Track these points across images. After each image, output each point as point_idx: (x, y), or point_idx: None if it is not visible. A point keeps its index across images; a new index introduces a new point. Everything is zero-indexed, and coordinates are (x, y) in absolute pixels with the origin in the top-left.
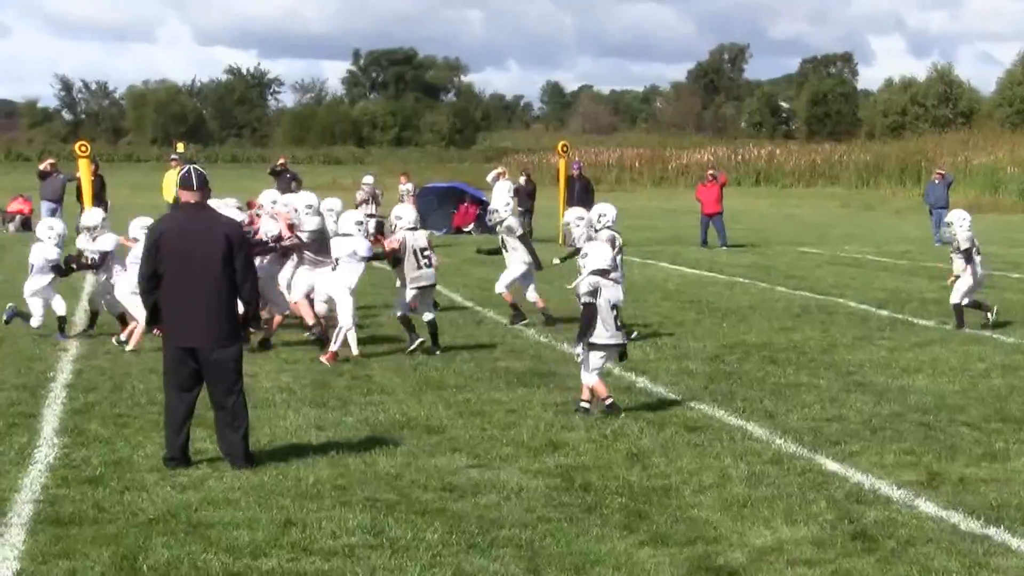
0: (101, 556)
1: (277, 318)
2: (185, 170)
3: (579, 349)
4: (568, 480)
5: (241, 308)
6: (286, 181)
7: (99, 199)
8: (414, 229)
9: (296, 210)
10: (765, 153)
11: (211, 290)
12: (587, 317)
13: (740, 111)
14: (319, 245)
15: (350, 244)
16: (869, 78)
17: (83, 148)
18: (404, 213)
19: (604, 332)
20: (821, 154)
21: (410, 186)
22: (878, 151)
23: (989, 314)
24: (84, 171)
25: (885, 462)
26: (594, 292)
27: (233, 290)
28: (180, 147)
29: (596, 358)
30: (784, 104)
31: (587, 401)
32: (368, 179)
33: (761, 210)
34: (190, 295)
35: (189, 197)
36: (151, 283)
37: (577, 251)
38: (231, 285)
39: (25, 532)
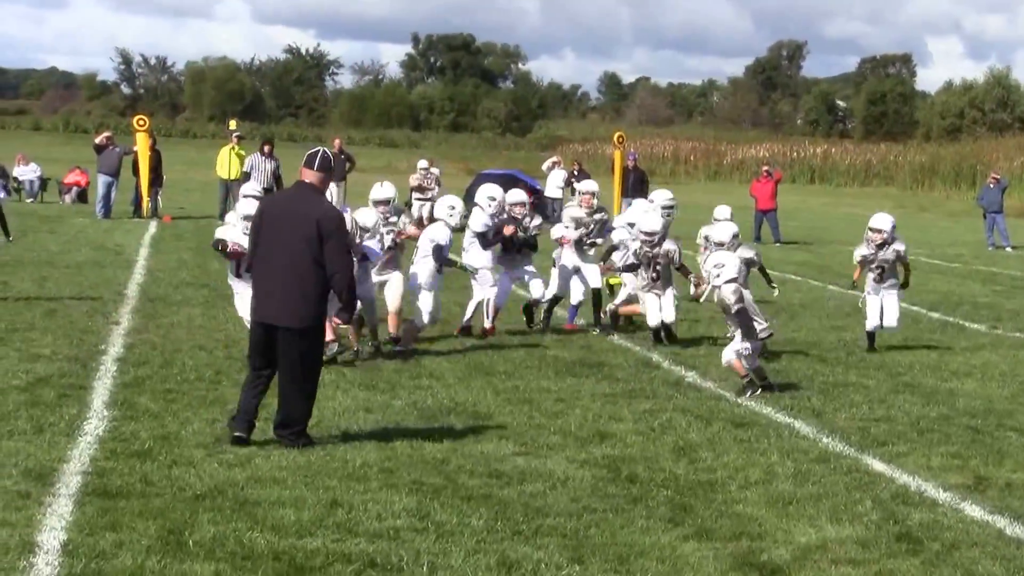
0: (148, 529)
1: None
2: (314, 149)
3: (746, 345)
4: (614, 471)
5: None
6: (340, 163)
7: (155, 173)
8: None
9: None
10: (820, 151)
11: (293, 269)
12: (745, 321)
13: (797, 108)
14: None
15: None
16: (925, 80)
17: (141, 122)
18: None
19: (758, 326)
20: (877, 154)
21: (436, 171)
22: (934, 153)
23: None
24: (142, 145)
25: (932, 464)
26: (740, 298)
27: (318, 276)
28: (233, 124)
29: (752, 348)
30: (841, 103)
31: (745, 376)
32: (423, 163)
33: (815, 208)
34: (273, 270)
35: (305, 176)
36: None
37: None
38: (316, 270)
39: (73, 503)
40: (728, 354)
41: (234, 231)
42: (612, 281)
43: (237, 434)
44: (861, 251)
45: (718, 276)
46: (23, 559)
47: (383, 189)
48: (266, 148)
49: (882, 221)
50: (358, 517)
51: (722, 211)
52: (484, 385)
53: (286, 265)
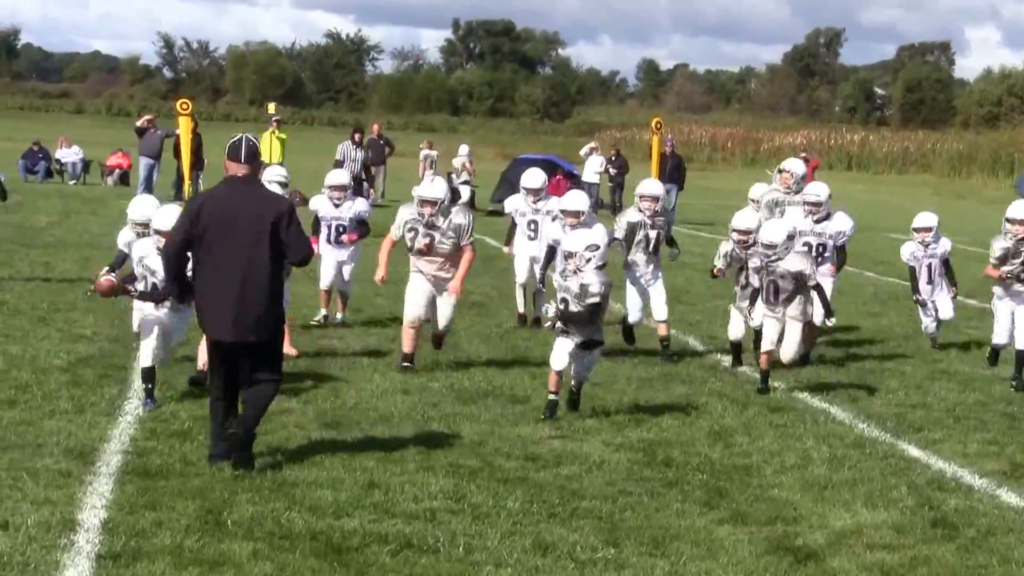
0: (187, 509)
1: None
2: (236, 139)
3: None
4: (650, 455)
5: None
6: (380, 148)
7: (196, 157)
8: None
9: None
10: (858, 138)
11: (251, 276)
12: (824, 296)
13: (834, 95)
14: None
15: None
16: (963, 67)
17: (184, 106)
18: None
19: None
20: (914, 141)
21: (435, 153)
22: (972, 141)
23: None
24: (184, 129)
25: (968, 451)
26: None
27: (275, 278)
28: (272, 108)
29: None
30: (879, 90)
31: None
32: (464, 149)
33: (852, 195)
34: (226, 281)
35: (234, 170)
36: (181, 253)
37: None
38: (273, 271)
39: (113, 482)
40: (793, 348)
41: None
42: None
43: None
44: (1001, 244)
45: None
46: (64, 536)
47: (433, 187)
48: (356, 136)
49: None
50: (395, 498)
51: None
52: (520, 369)
53: (242, 273)
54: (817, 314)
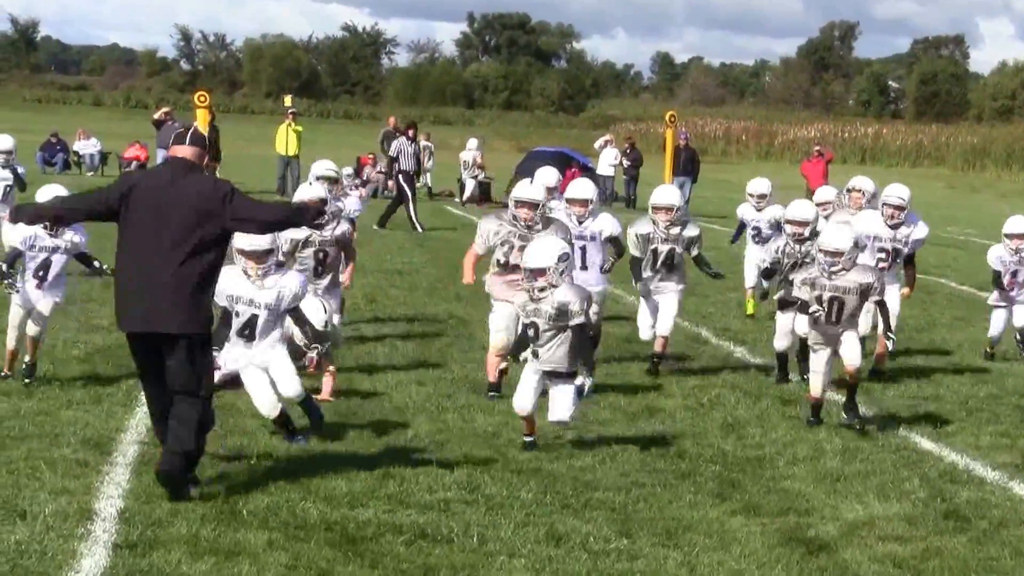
0: (202, 497)
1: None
2: (180, 128)
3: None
4: (663, 446)
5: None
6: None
7: (214, 149)
8: None
9: None
10: (872, 132)
11: (177, 262)
12: (886, 313)
13: (848, 89)
14: None
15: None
16: (977, 61)
17: (202, 99)
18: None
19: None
20: (928, 135)
21: (432, 145)
22: (985, 134)
23: None
24: (202, 121)
25: (980, 443)
26: None
27: (205, 269)
28: (288, 100)
29: None
30: (893, 84)
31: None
32: (473, 142)
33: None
34: (143, 265)
35: (179, 152)
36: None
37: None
38: (204, 262)
39: (130, 472)
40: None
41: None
42: (751, 308)
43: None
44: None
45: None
46: (81, 526)
47: (531, 188)
48: (411, 132)
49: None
50: (409, 489)
51: (760, 185)
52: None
53: (166, 258)
54: (865, 325)
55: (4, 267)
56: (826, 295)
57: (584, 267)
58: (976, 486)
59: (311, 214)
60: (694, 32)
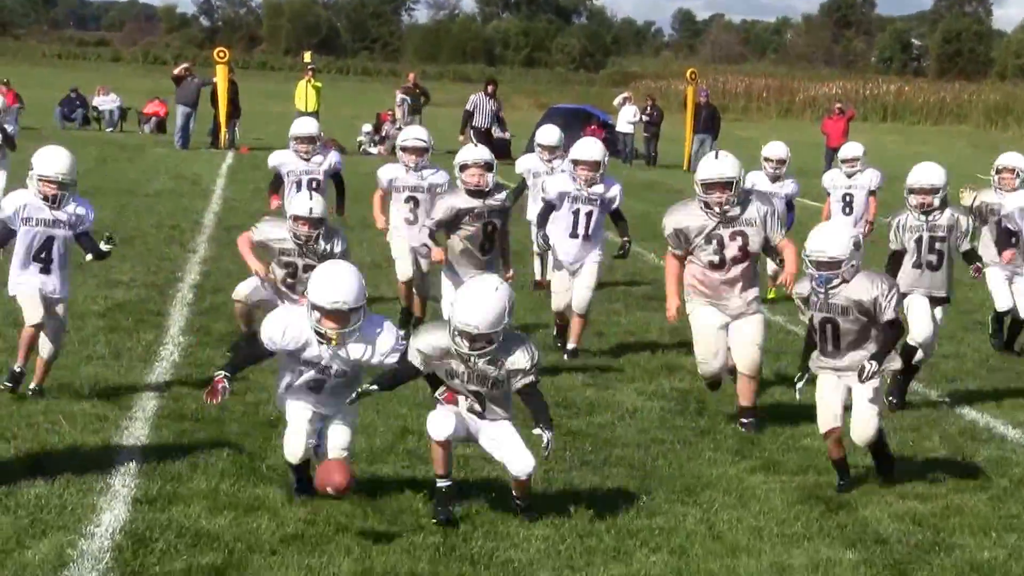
0: (222, 454)
1: None
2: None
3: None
4: (683, 403)
5: None
6: (415, 97)
7: (233, 105)
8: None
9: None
10: (894, 89)
11: None
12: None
13: (871, 46)
14: None
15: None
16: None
17: (221, 55)
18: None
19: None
20: (950, 92)
21: (409, 99)
22: (1008, 92)
23: None
24: (221, 77)
25: (1001, 401)
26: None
27: None
28: (307, 57)
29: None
30: (915, 41)
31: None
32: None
33: (887, 145)
34: None
35: None
36: None
37: None
38: None
39: (149, 427)
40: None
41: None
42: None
43: None
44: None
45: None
46: (100, 480)
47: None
48: (489, 88)
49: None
50: (428, 445)
51: (777, 148)
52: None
53: None
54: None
55: None
56: (816, 316)
57: (587, 236)
58: (997, 444)
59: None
60: None
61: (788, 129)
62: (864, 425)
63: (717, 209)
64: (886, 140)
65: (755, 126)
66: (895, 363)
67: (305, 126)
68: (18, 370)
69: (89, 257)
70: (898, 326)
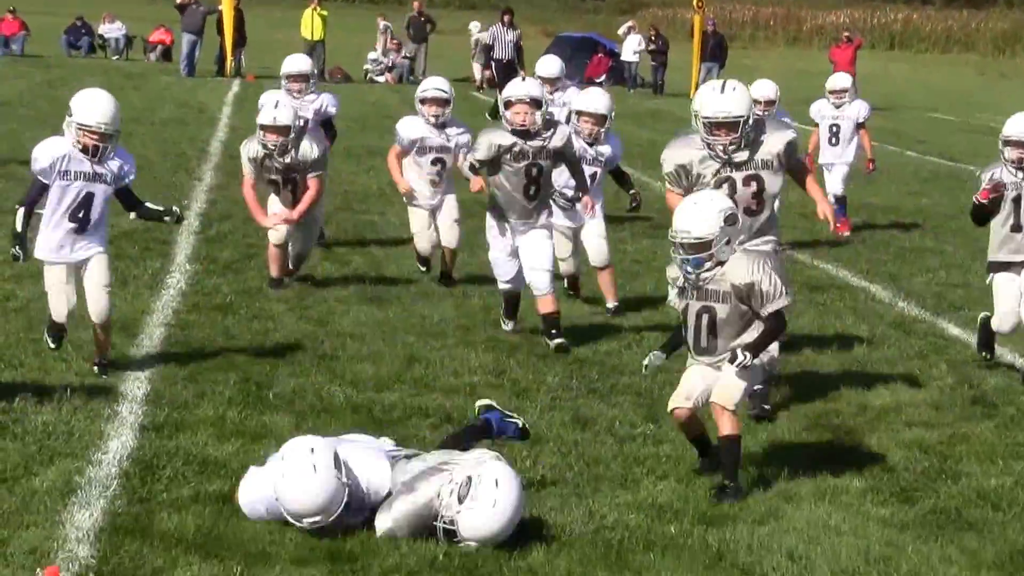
0: (228, 381)
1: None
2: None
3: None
4: None
5: None
6: (421, 26)
7: (239, 34)
8: None
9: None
10: (901, 17)
11: None
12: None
13: None
14: None
15: None
16: None
17: None
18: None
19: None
20: (958, 20)
21: (392, 25)
22: (1016, 20)
23: None
24: (227, 5)
25: None
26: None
27: None
28: None
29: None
30: None
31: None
32: (475, 25)
33: (894, 74)
34: None
35: None
36: None
37: None
38: None
39: (156, 355)
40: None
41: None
42: None
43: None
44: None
45: None
46: (107, 408)
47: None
48: (506, 18)
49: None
50: (435, 372)
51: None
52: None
53: None
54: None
55: (20, 219)
56: (692, 307)
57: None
58: (1004, 373)
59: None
60: None
61: (795, 58)
62: (727, 387)
63: (720, 151)
64: (894, 68)
65: (762, 54)
66: (771, 355)
67: (296, 63)
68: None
69: (132, 216)
70: (781, 319)
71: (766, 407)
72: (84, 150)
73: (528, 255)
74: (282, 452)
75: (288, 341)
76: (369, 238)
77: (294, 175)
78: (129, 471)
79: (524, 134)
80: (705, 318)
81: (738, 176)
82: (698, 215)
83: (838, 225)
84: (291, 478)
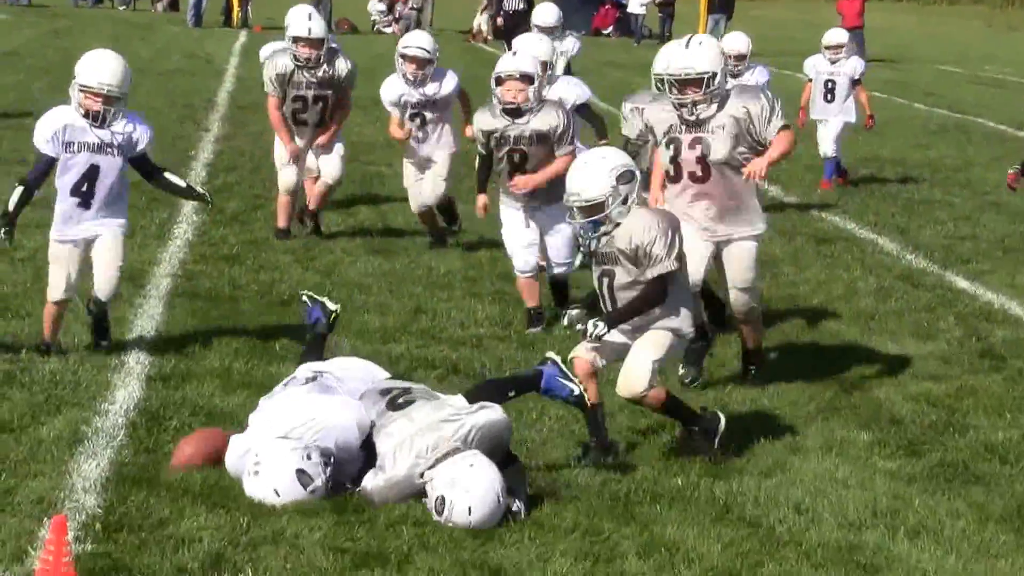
0: (235, 333)
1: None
2: None
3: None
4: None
5: None
6: None
7: None
8: None
9: None
10: None
11: None
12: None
13: None
14: None
15: None
16: None
17: None
18: None
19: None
20: None
21: None
22: None
23: None
24: None
25: (1016, 282)
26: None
27: None
28: None
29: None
30: None
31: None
32: None
33: (902, 25)
34: None
35: None
36: None
37: None
38: None
39: (163, 305)
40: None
41: None
42: None
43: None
44: None
45: None
46: (115, 357)
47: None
48: None
49: None
50: (441, 324)
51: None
52: None
53: None
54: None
55: (14, 197)
56: (594, 270)
57: None
58: (1011, 325)
59: None
60: None
61: (803, 9)
62: (627, 377)
63: (686, 112)
64: (901, 20)
65: (768, 6)
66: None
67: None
68: (44, 348)
69: (152, 184)
70: (660, 285)
71: (696, 371)
72: (87, 115)
73: (551, 251)
74: (258, 455)
75: (294, 291)
76: (376, 190)
77: (326, 92)
78: (136, 421)
79: (515, 112)
80: (606, 282)
81: (685, 138)
82: (589, 175)
83: (823, 182)
84: (264, 482)
